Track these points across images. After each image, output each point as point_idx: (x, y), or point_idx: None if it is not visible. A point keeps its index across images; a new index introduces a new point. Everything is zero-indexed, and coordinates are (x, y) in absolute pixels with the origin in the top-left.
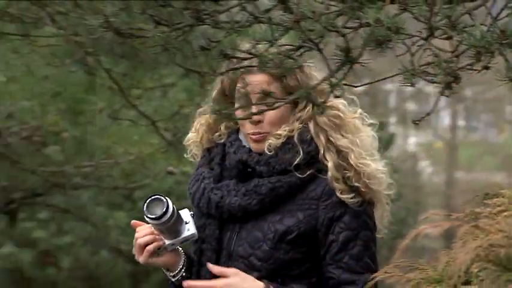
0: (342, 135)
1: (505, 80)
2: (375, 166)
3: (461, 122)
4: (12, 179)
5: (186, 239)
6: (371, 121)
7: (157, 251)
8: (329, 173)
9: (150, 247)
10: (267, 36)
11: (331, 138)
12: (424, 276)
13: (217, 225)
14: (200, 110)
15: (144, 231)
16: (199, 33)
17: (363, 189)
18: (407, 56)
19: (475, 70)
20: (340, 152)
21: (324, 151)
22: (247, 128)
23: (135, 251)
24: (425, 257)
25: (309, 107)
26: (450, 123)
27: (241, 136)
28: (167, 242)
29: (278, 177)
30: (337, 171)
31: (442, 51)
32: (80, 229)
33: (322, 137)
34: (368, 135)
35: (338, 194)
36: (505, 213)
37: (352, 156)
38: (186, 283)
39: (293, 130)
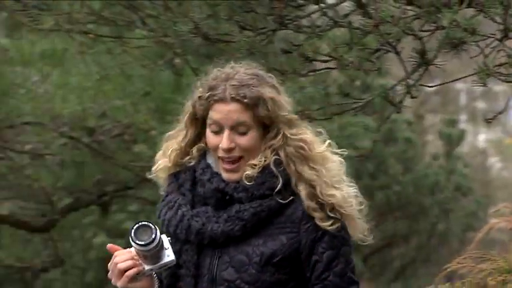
0: (309, 167)
1: None
2: (342, 193)
3: None
4: (105, 174)
5: (166, 265)
6: (338, 151)
7: (136, 276)
8: (304, 203)
9: (130, 272)
10: (347, 39)
11: (298, 170)
12: (495, 266)
13: (194, 250)
14: (170, 133)
15: (124, 256)
16: (282, 37)
17: (337, 216)
18: (480, 57)
19: None
20: (308, 183)
21: (295, 181)
22: (220, 153)
23: (112, 275)
24: (495, 248)
25: (280, 136)
26: None
27: (210, 161)
28: (147, 267)
29: (259, 201)
30: (311, 201)
31: None
32: None
33: (292, 167)
34: (335, 163)
35: (317, 222)
36: None
37: (318, 189)
38: None
39: (267, 158)
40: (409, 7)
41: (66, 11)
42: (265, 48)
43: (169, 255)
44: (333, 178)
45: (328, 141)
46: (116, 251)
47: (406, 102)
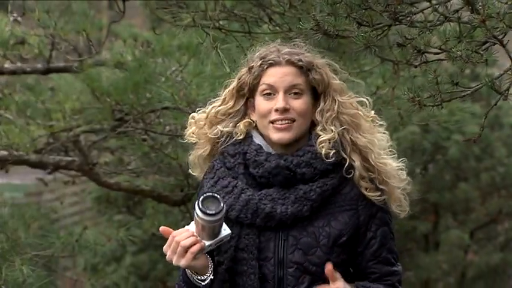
0: (361, 135)
1: None
2: (393, 164)
3: None
4: None
5: (222, 240)
6: (381, 122)
7: (197, 253)
8: (356, 172)
9: (194, 248)
10: (456, 33)
11: (353, 138)
12: None
13: (256, 234)
14: (197, 116)
15: (185, 234)
16: (396, 31)
17: (385, 188)
18: None
19: None
20: (361, 152)
21: (350, 150)
22: (271, 116)
23: (172, 255)
24: None
25: (334, 103)
26: None
27: (258, 141)
28: (207, 243)
29: (323, 180)
30: (364, 170)
31: None
32: None
33: (347, 136)
34: (382, 135)
35: (365, 192)
36: None
37: (373, 157)
38: None
39: (334, 132)
40: None
41: (202, 8)
42: (380, 42)
43: (225, 229)
44: (382, 148)
45: (373, 111)
46: (169, 232)
47: (511, 90)
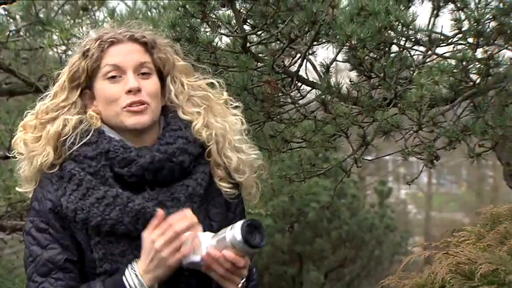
0: (214, 119)
1: (466, 157)
2: (247, 151)
3: (434, 180)
4: None
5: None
6: (236, 104)
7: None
8: (212, 159)
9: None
10: (313, 127)
11: (209, 123)
12: (414, 282)
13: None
14: (26, 121)
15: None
16: (269, 126)
17: (239, 176)
18: (402, 141)
19: (448, 150)
20: (216, 137)
21: (208, 134)
22: (123, 100)
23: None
24: (414, 269)
25: (181, 85)
26: (427, 180)
27: (114, 135)
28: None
29: (201, 170)
30: (219, 157)
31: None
32: None
33: (200, 120)
34: (236, 118)
35: (217, 181)
36: (467, 242)
37: (226, 143)
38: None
39: (199, 115)
40: (355, 106)
41: None
42: (257, 134)
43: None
44: (235, 137)
45: (225, 93)
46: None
47: (353, 169)
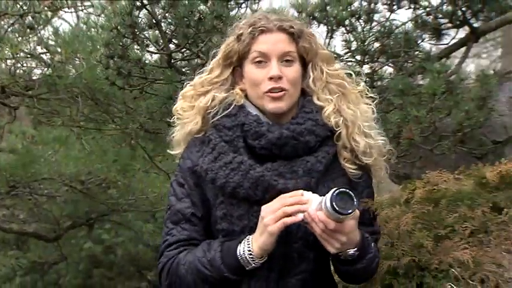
0: (347, 106)
1: None
2: (375, 137)
3: None
4: (91, 206)
5: None
6: (371, 95)
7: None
8: (340, 142)
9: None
10: None
11: (340, 108)
12: None
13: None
14: (185, 91)
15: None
16: None
17: (366, 159)
18: None
19: None
20: (346, 122)
21: (337, 120)
22: (266, 85)
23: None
24: None
25: (322, 73)
26: None
27: (253, 111)
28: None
29: (324, 149)
30: (347, 141)
31: None
32: (127, 234)
33: (331, 107)
34: (368, 107)
35: (342, 162)
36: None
37: (355, 129)
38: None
39: (331, 102)
40: None
41: (67, 114)
42: None
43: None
44: (365, 123)
45: (362, 83)
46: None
47: None
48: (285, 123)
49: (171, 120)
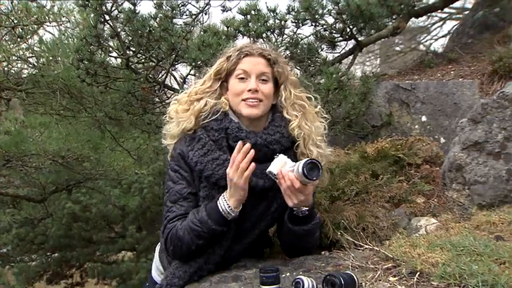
0: (305, 122)
1: None
2: (325, 149)
3: None
4: (70, 176)
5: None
6: (325, 115)
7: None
8: (299, 150)
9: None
10: None
11: (300, 124)
12: None
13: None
14: (179, 97)
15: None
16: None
17: None
18: None
19: None
20: (304, 136)
21: (297, 133)
22: (244, 95)
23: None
24: None
25: (290, 94)
26: None
27: (234, 119)
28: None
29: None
30: (304, 149)
31: None
32: (99, 197)
33: (296, 122)
34: (321, 124)
35: None
36: None
37: (310, 141)
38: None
39: (296, 117)
40: None
41: (49, 105)
42: (138, 122)
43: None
44: (318, 137)
45: (319, 106)
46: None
47: None
48: (258, 132)
49: (130, 112)
